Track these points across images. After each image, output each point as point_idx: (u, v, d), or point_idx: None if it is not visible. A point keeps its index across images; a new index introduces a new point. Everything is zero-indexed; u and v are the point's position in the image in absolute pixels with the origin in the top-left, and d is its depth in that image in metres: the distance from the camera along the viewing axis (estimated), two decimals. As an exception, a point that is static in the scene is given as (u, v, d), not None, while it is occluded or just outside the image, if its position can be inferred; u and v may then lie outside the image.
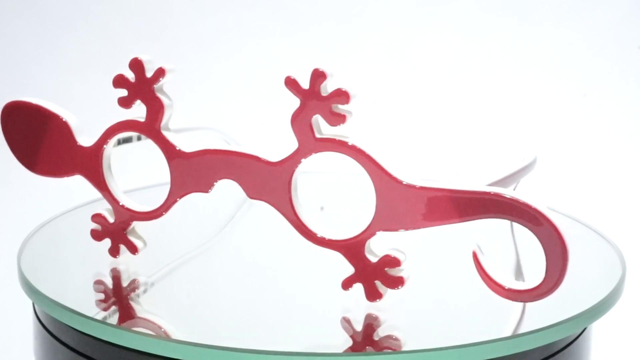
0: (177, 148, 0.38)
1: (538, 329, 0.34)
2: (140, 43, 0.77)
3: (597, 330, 0.41)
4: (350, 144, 0.35)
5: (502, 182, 0.45)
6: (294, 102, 0.36)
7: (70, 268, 0.43)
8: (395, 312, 0.37)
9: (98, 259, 0.42)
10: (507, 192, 0.34)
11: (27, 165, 0.41)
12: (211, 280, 0.43)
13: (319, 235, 0.37)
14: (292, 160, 0.36)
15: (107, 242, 0.41)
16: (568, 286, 0.33)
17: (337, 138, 0.35)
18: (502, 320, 0.37)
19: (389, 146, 0.75)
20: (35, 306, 0.40)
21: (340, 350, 0.34)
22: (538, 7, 0.74)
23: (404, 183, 0.35)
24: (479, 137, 0.75)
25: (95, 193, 0.41)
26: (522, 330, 0.35)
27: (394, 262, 0.36)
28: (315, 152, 0.36)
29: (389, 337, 0.35)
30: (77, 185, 0.42)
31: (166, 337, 0.34)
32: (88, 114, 0.43)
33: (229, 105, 0.76)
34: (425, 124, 0.76)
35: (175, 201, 0.39)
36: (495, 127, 0.75)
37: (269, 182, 0.37)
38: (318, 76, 0.35)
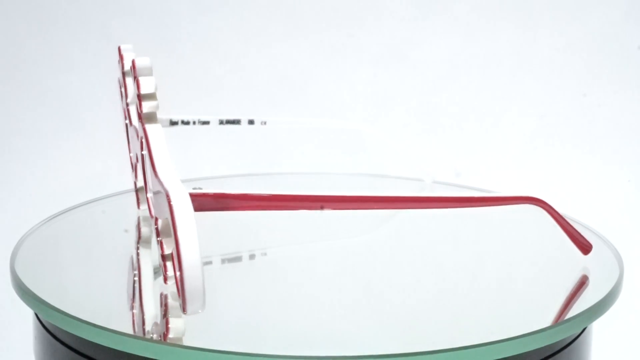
0: (130, 120, 0.42)
1: (538, 330, 0.34)
2: (140, 43, 0.77)
3: (597, 330, 0.41)
4: (143, 130, 0.37)
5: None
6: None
7: (67, 269, 0.43)
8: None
9: (96, 260, 0.43)
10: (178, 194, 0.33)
11: None
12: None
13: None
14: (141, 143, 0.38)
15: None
16: (567, 287, 0.33)
17: (145, 126, 0.37)
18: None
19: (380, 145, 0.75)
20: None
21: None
22: (538, 7, 0.74)
23: (157, 176, 0.35)
24: (479, 138, 0.75)
25: (91, 194, 0.45)
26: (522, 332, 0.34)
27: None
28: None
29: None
30: (74, 186, 0.43)
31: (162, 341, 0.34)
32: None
33: (227, 105, 0.76)
34: (423, 124, 0.76)
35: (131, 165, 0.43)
36: (495, 127, 0.75)
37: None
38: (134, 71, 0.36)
